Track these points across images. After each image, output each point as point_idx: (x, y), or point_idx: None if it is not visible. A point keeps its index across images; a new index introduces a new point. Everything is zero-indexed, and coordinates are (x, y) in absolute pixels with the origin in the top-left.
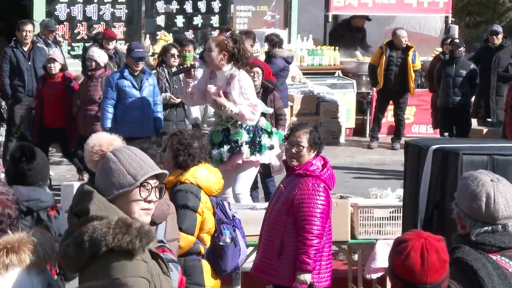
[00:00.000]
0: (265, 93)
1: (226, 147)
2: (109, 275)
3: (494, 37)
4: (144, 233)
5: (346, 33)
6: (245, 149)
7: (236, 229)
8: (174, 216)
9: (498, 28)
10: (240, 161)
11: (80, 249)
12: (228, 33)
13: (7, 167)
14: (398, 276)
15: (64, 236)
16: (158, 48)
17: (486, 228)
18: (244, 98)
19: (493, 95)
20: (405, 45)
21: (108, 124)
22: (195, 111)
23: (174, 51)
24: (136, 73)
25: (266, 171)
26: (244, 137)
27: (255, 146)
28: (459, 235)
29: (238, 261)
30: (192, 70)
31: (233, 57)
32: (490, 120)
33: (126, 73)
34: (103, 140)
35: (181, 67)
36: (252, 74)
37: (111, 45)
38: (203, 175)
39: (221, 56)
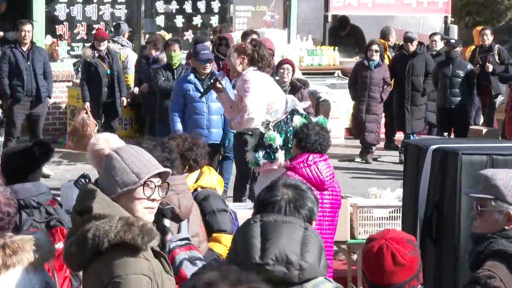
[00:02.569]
0: (293, 91)
1: (261, 153)
2: (111, 272)
3: (409, 43)
4: (146, 231)
5: (341, 33)
6: (280, 155)
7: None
8: (195, 212)
9: (413, 34)
10: (275, 167)
11: (83, 246)
12: (249, 38)
13: (4, 164)
14: (364, 273)
15: (67, 235)
16: None
17: None
18: (244, 98)
19: (408, 104)
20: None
21: (178, 127)
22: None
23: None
24: (203, 77)
25: None
26: (278, 141)
27: (289, 151)
28: (497, 233)
29: None
30: (217, 83)
31: (253, 61)
32: (407, 132)
33: (191, 76)
34: (105, 139)
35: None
36: (282, 70)
37: (103, 46)
38: (214, 179)
39: (240, 60)
